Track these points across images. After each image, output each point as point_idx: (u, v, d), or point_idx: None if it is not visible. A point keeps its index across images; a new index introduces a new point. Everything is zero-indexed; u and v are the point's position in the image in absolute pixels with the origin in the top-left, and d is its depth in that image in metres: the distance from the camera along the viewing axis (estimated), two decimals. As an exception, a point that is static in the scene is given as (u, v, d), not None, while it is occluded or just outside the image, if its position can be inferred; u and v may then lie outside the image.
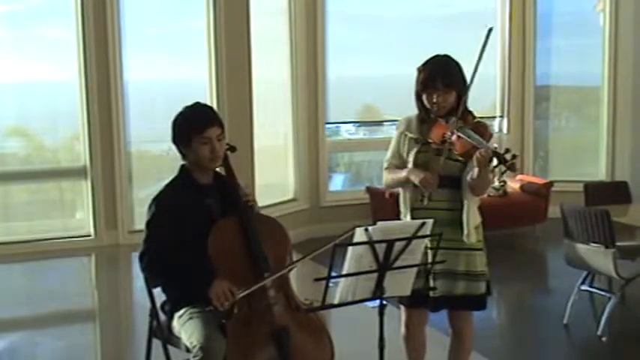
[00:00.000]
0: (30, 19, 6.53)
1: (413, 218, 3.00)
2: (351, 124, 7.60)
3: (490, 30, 2.91)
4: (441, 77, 2.93)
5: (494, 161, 2.74)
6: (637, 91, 7.29)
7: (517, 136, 7.77)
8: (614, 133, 7.51)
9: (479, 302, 3.07)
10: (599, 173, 7.63)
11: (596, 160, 7.70)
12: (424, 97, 2.99)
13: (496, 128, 7.83)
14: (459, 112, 2.92)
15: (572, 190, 6.04)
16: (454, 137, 2.86)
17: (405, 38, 7.17)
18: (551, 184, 6.97)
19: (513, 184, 7.10)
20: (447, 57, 3.01)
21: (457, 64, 2.99)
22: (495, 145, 2.82)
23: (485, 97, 7.76)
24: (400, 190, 3.12)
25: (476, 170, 2.84)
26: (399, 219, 3.10)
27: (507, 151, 2.75)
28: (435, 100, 2.95)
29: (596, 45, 7.52)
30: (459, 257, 2.97)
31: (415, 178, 2.96)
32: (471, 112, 3.02)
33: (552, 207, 6.42)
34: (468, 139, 2.81)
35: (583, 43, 7.70)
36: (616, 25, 7.38)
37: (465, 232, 2.96)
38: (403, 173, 3.02)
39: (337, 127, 7.41)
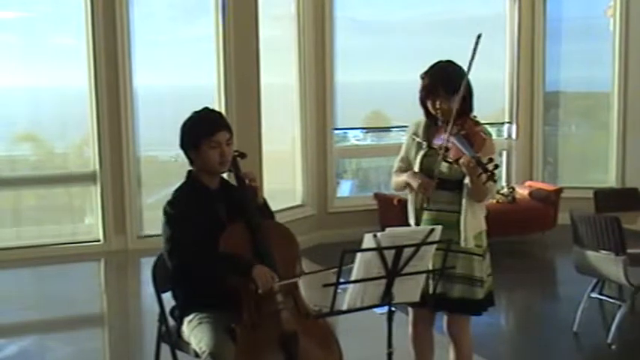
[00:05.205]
0: (41, 26, 6.58)
1: (416, 218, 3.09)
2: (359, 130, 7.60)
3: (479, 36, 2.94)
4: (442, 84, 2.99)
5: (478, 170, 2.77)
6: (647, 97, 7.27)
7: (526, 142, 7.75)
8: (624, 139, 7.48)
9: (474, 308, 3.07)
10: (609, 179, 7.59)
11: (606, 166, 7.67)
12: (428, 104, 3.04)
13: (505, 134, 7.82)
14: (452, 118, 2.94)
15: (581, 197, 6.01)
16: (449, 143, 2.93)
17: (413, 44, 7.17)
18: (560, 190, 6.94)
19: (522, 191, 7.07)
20: (449, 62, 3.06)
21: (459, 69, 3.03)
22: (479, 155, 2.82)
23: (494, 102, 7.75)
24: (408, 192, 3.17)
25: (467, 177, 2.90)
26: (407, 225, 3.12)
27: (490, 160, 2.78)
28: (438, 107, 3.01)
29: (606, 50, 7.50)
30: (457, 260, 2.98)
31: (413, 183, 3.03)
32: (471, 118, 3.05)
33: (562, 214, 6.39)
34: (459, 146, 2.87)
35: (593, 49, 7.67)
36: (626, 30, 7.36)
37: (462, 236, 2.98)
38: (403, 177, 3.10)
39: (345, 133, 7.42)
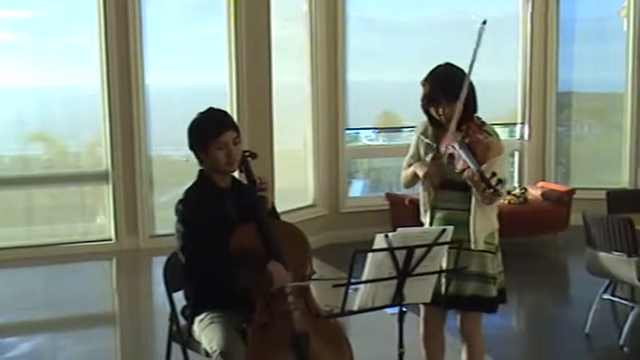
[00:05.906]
0: (53, 25, 6.61)
1: (431, 216, 3.08)
2: (371, 130, 7.60)
3: (484, 22, 2.89)
4: (442, 91, 2.95)
5: (482, 185, 2.75)
6: (661, 98, 7.21)
7: (538, 143, 7.72)
8: (637, 140, 7.43)
9: (488, 305, 3.06)
10: (622, 181, 7.55)
11: (619, 167, 7.62)
12: (432, 111, 3.02)
13: (517, 135, 7.79)
14: (454, 124, 2.90)
15: (594, 198, 5.97)
16: (455, 153, 2.90)
17: (426, 44, 7.15)
18: (572, 191, 6.90)
19: (534, 192, 7.04)
20: (448, 66, 3.02)
21: (459, 73, 2.97)
22: (483, 169, 2.80)
23: (506, 103, 7.72)
24: (420, 191, 3.16)
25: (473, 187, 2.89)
26: (418, 225, 3.10)
27: (493, 175, 2.75)
28: (441, 113, 2.99)
29: (620, 51, 7.45)
30: (471, 258, 2.97)
31: (419, 171, 3.03)
32: (474, 120, 3.00)
33: (574, 215, 6.36)
34: (465, 158, 2.85)
35: (606, 49, 7.62)
36: (640, 30, 7.32)
37: (472, 238, 2.96)
38: (411, 168, 3.10)
39: (357, 132, 7.41)
